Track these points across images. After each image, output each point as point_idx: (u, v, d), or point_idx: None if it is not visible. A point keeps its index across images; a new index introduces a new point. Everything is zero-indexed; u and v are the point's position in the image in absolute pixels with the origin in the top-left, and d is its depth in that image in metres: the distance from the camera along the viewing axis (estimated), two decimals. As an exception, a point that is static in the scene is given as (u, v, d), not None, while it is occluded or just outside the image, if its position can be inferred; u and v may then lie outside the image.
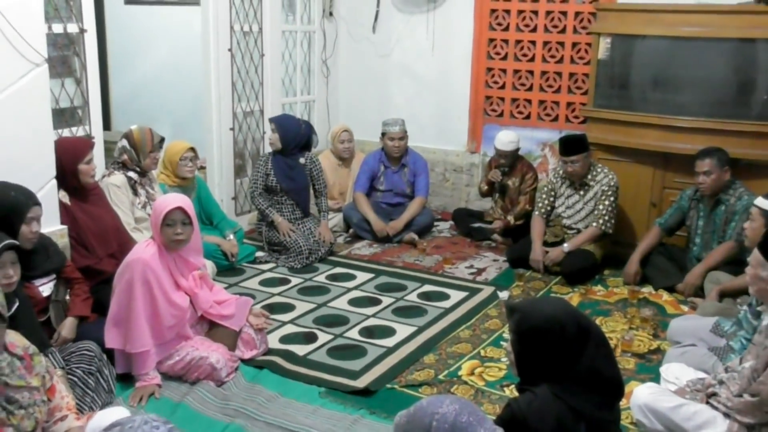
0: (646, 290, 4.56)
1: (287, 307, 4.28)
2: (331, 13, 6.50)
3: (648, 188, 5.04)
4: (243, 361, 3.54)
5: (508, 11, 5.92)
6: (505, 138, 5.42)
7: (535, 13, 5.81)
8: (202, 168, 5.31)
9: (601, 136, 5.05)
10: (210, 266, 4.26)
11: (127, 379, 3.32)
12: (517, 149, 5.46)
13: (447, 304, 4.37)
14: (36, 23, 3.39)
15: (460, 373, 3.53)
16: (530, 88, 5.96)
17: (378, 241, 5.48)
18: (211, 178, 5.48)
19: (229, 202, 5.61)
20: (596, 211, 4.86)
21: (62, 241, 3.59)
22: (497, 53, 6.04)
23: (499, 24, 5.98)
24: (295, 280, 4.71)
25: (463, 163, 6.33)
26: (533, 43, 5.87)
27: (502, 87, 6.07)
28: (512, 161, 5.46)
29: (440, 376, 3.48)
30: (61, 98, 4.09)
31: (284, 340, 3.85)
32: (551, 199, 5.06)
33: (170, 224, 3.29)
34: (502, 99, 6.10)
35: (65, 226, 3.65)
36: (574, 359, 2.18)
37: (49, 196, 3.55)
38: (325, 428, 2.99)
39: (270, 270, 4.90)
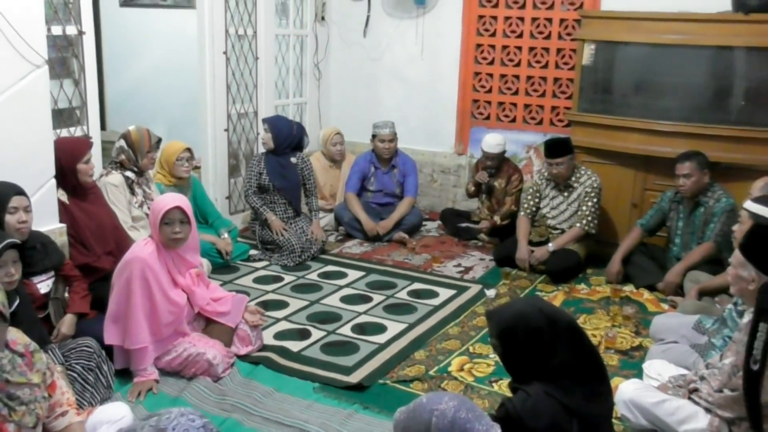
0: (628, 289, 4.58)
1: (281, 304, 4.26)
2: (323, 18, 6.48)
3: (630, 190, 5.06)
4: (239, 357, 3.52)
5: (495, 17, 5.92)
6: (492, 141, 5.43)
7: (522, 19, 5.82)
8: (197, 168, 5.28)
9: (584, 140, 5.07)
10: (205, 264, 4.23)
11: (125, 375, 3.30)
12: (504, 152, 5.47)
13: (436, 301, 4.37)
14: (37, 25, 3.36)
15: (449, 368, 3.53)
16: (516, 92, 5.98)
17: (368, 240, 5.48)
18: (205, 178, 5.45)
19: (223, 202, 5.59)
20: (580, 212, 4.87)
21: (61, 239, 3.56)
22: (484, 58, 6.05)
23: (487, 30, 5.99)
24: (288, 278, 4.70)
25: (451, 165, 6.33)
26: (519, 48, 5.88)
27: (489, 91, 6.08)
28: (498, 163, 5.47)
29: (431, 372, 3.48)
30: (60, 99, 4.05)
31: (279, 336, 3.84)
32: (536, 200, 5.07)
33: (169, 223, 3.27)
34: (489, 102, 6.11)
35: (64, 225, 3.61)
36: (551, 349, 2.21)
37: (49, 194, 3.53)
38: (320, 423, 2.99)
39: (264, 268, 4.88)
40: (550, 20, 5.71)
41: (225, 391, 3.23)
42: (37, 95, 3.41)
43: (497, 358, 3.56)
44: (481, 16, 5.98)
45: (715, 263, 4.31)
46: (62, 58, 4.08)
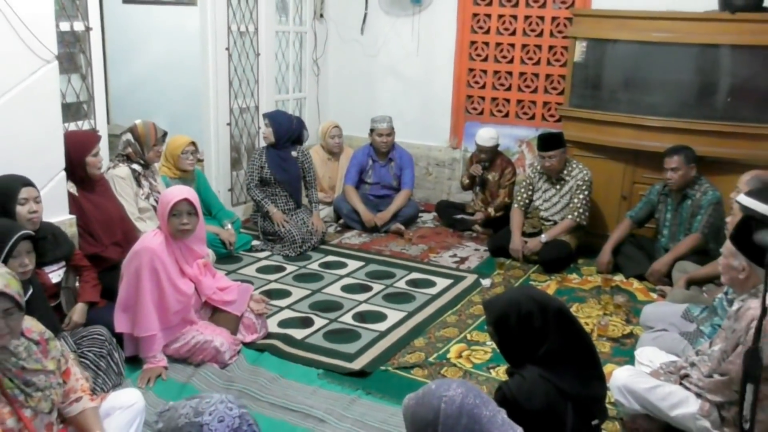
0: (618, 278, 4.60)
1: (284, 293, 4.25)
2: (321, 15, 6.45)
3: (619, 183, 5.08)
4: (244, 344, 3.52)
5: (489, 15, 5.91)
6: (486, 134, 5.42)
7: (515, 17, 5.81)
8: (200, 161, 5.26)
9: (576, 134, 5.07)
10: (209, 254, 4.22)
11: (135, 362, 3.29)
12: (497, 145, 5.46)
13: (433, 290, 4.37)
14: (47, 22, 3.33)
15: (448, 355, 3.53)
16: (509, 88, 5.97)
17: (366, 231, 5.47)
18: (208, 171, 5.43)
19: (225, 194, 5.57)
20: (571, 204, 4.88)
21: (71, 230, 3.54)
22: (478, 55, 6.03)
23: (481, 27, 5.97)
24: (290, 268, 4.69)
25: (446, 158, 6.33)
26: (512, 45, 5.87)
27: (483, 87, 6.07)
28: (492, 156, 5.46)
29: (430, 359, 3.48)
30: (68, 93, 4.02)
31: (283, 324, 3.83)
32: (529, 192, 5.08)
33: (176, 215, 3.26)
34: (483, 98, 6.10)
35: (74, 216, 3.60)
36: (543, 333, 2.23)
37: (59, 187, 3.51)
38: (325, 408, 2.99)
39: (266, 258, 4.87)
40: (542, 18, 5.70)
41: (232, 378, 3.22)
42: (47, 90, 3.38)
43: (494, 346, 3.58)
44: (475, 14, 5.97)
45: (701, 254, 4.33)
46: (70, 54, 4.04)
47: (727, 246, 2.82)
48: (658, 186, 4.63)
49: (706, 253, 4.34)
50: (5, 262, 2.63)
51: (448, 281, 4.51)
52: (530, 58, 5.82)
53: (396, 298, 4.25)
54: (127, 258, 3.30)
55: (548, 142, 4.86)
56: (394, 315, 3.99)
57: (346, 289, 4.37)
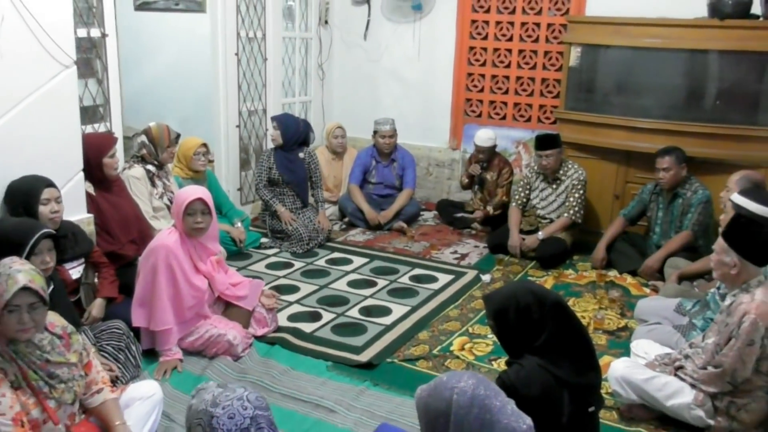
0: (612, 274, 4.59)
1: (292, 289, 4.25)
2: (326, 22, 6.44)
3: (612, 182, 5.08)
4: (256, 337, 3.51)
5: (487, 22, 5.90)
6: (484, 135, 5.42)
7: (512, 24, 5.80)
8: (211, 162, 5.25)
9: (571, 136, 5.07)
10: (221, 251, 4.21)
11: (151, 355, 3.29)
12: (494, 146, 5.45)
13: (436, 286, 4.36)
14: (66, 29, 3.31)
15: (451, 348, 3.53)
16: (506, 92, 5.96)
17: (370, 229, 5.46)
18: (218, 171, 5.41)
19: (235, 193, 5.56)
20: (567, 203, 4.88)
21: (89, 228, 3.53)
22: (477, 60, 6.03)
23: (479, 33, 5.96)
24: (297, 264, 4.68)
25: (445, 159, 6.32)
26: (509, 51, 5.86)
27: (481, 90, 6.06)
28: (490, 156, 5.46)
29: (434, 351, 3.48)
30: (85, 97, 4.00)
31: (292, 318, 3.83)
32: (527, 191, 5.08)
33: (191, 213, 3.25)
34: (481, 101, 6.09)
35: (91, 215, 3.59)
36: (541, 325, 2.22)
37: (77, 187, 3.50)
38: (335, 398, 2.98)
39: (274, 255, 4.86)
40: (538, 25, 5.70)
41: (245, 370, 3.22)
42: (66, 94, 3.37)
43: (495, 339, 3.58)
44: (473, 21, 5.96)
45: (692, 250, 4.34)
46: (87, 59, 4.02)
47: (720, 243, 2.83)
48: (650, 185, 4.63)
49: (696, 249, 4.34)
50: (28, 259, 2.62)
51: (450, 277, 4.51)
52: (527, 63, 5.81)
53: (400, 293, 4.24)
54: (144, 255, 3.30)
55: (545, 142, 4.86)
56: (398, 309, 3.99)
57: (352, 284, 4.36)
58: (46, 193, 3.06)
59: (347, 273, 4.55)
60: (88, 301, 3.30)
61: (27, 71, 3.13)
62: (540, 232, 4.86)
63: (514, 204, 5.08)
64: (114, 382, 2.72)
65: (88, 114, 4.05)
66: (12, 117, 3.08)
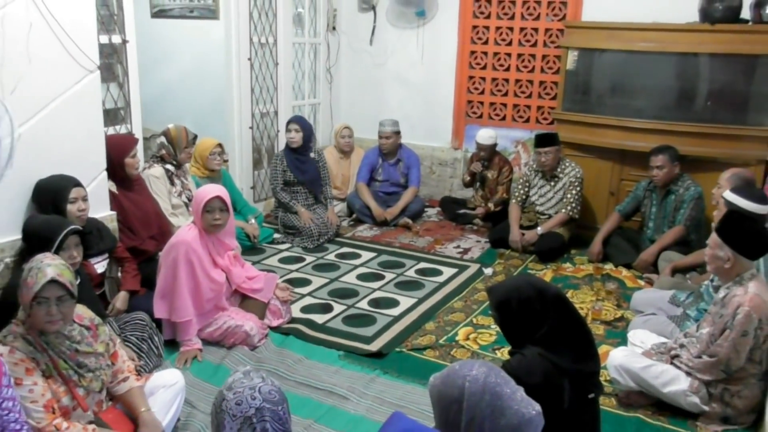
0: (608, 267, 4.59)
1: (305, 282, 4.25)
2: (334, 28, 6.43)
3: (608, 180, 5.07)
4: (271, 328, 3.52)
5: (487, 27, 5.89)
6: (485, 134, 5.42)
7: (511, 29, 5.78)
8: (225, 161, 5.24)
9: (568, 135, 5.05)
10: (237, 247, 4.21)
11: (172, 345, 3.29)
12: (495, 144, 5.44)
13: (440, 279, 4.36)
14: (89, 35, 3.30)
15: (457, 338, 3.53)
16: (506, 94, 5.95)
17: (377, 225, 5.46)
18: (233, 170, 5.40)
19: (248, 191, 5.56)
20: (564, 199, 4.87)
21: (112, 225, 3.53)
22: (478, 63, 6.01)
23: (480, 38, 5.95)
24: (309, 259, 4.68)
25: (448, 158, 6.31)
26: (509, 55, 5.85)
27: (482, 92, 6.05)
28: (490, 154, 5.44)
29: (440, 341, 3.48)
30: (107, 100, 4.00)
31: (305, 310, 3.83)
32: (526, 189, 5.07)
33: (209, 211, 3.25)
34: (482, 103, 6.08)
35: (114, 212, 3.58)
36: (542, 317, 2.21)
37: (101, 186, 3.49)
38: (347, 386, 2.99)
39: (287, 250, 4.86)
40: (536, 30, 5.68)
41: (261, 359, 3.22)
42: (90, 97, 3.36)
43: (498, 329, 3.58)
44: (474, 26, 5.94)
45: (684, 244, 4.33)
46: (108, 65, 4.02)
47: (713, 238, 2.82)
48: (644, 182, 4.62)
49: (688, 243, 4.33)
50: (56, 254, 2.62)
51: (454, 270, 4.50)
52: (525, 67, 5.80)
53: (407, 285, 4.24)
54: (165, 250, 3.30)
55: (544, 140, 4.86)
56: (405, 301, 3.99)
57: (361, 277, 4.36)
58: (74, 192, 3.06)
59: (356, 267, 4.54)
60: (112, 294, 3.30)
61: (53, 76, 3.12)
62: (539, 228, 4.85)
63: (514, 201, 5.07)
64: (138, 371, 2.72)
65: (110, 116, 4.05)
66: (40, 119, 3.08)
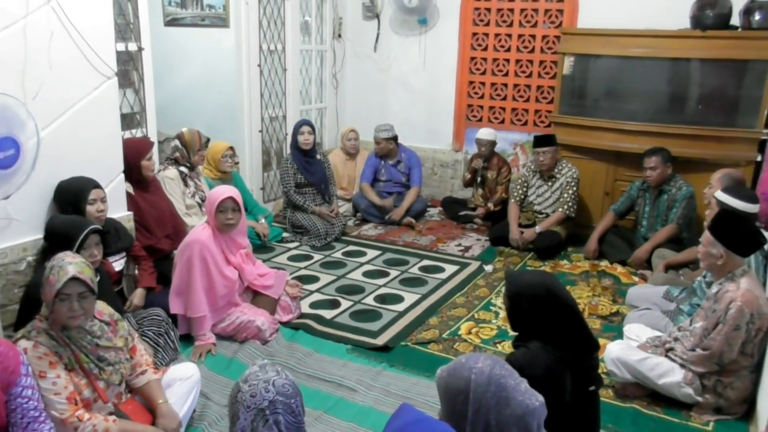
0: (604, 264, 4.57)
1: (313, 279, 4.25)
2: (339, 35, 6.43)
3: (603, 180, 5.06)
4: (282, 323, 3.52)
5: (486, 34, 5.88)
6: (486, 131, 5.42)
7: (509, 36, 5.78)
8: (236, 163, 5.24)
9: (565, 138, 5.05)
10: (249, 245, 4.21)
11: (187, 339, 3.30)
12: (495, 141, 5.41)
13: (443, 275, 4.36)
14: (107, 43, 3.31)
15: (459, 332, 3.53)
16: (504, 98, 5.94)
17: (382, 223, 5.46)
18: (243, 172, 5.41)
19: (258, 192, 5.56)
20: (561, 199, 4.87)
21: (129, 225, 3.54)
22: (477, 69, 6.01)
23: (479, 45, 5.94)
24: (317, 257, 4.68)
25: (449, 160, 6.31)
26: (507, 60, 5.84)
27: (482, 97, 6.04)
28: (490, 151, 5.41)
29: (444, 335, 3.48)
30: (123, 105, 4.00)
31: (314, 305, 3.83)
32: (524, 189, 5.06)
33: (222, 211, 3.26)
34: (481, 107, 6.07)
35: (131, 212, 3.59)
36: (548, 320, 2.20)
37: (118, 187, 3.50)
38: (355, 378, 2.99)
39: (295, 248, 4.86)
40: (533, 37, 5.67)
41: (272, 353, 3.22)
42: (108, 102, 3.37)
43: (499, 323, 3.59)
44: (474, 34, 5.94)
45: (676, 242, 4.33)
46: (125, 71, 4.02)
47: (706, 236, 2.82)
48: (638, 183, 4.61)
49: (681, 241, 4.33)
50: (77, 253, 2.63)
51: (455, 267, 4.50)
52: (523, 72, 5.79)
53: (411, 282, 4.24)
54: (180, 249, 3.31)
55: (542, 140, 4.86)
56: (409, 297, 3.98)
57: (367, 274, 4.36)
58: (93, 193, 3.06)
59: (362, 264, 4.54)
60: (129, 291, 3.31)
61: (73, 82, 3.13)
62: (537, 226, 4.85)
63: (512, 200, 5.07)
64: (156, 364, 2.72)
65: (127, 121, 4.05)
66: (60, 123, 3.08)
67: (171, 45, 6.55)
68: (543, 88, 5.72)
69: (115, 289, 3.18)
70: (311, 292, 4.02)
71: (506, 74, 5.87)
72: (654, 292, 3.58)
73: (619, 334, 3.37)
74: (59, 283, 2.17)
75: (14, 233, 2.94)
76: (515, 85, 5.85)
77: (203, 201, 4.23)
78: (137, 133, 4.11)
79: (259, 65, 5.37)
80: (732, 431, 2.68)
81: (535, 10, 5.61)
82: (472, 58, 6.00)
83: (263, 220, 4.85)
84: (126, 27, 3.95)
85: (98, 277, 2.77)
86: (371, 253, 4.76)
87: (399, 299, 3.95)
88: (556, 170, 4.89)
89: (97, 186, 3.11)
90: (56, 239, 2.72)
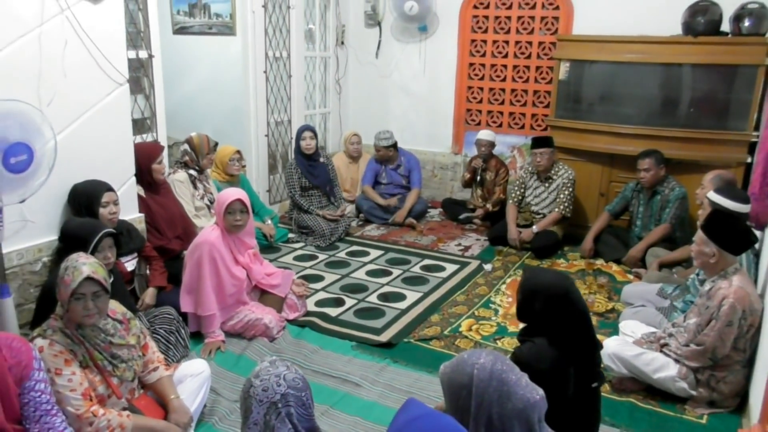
0: (599, 262, 4.57)
1: (318, 278, 4.25)
2: (342, 43, 6.43)
3: (598, 182, 5.06)
4: (288, 321, 3.52)
5: (485, 41, 5.88)
6: (485, 132, 5.44)
7: (507, 42, 5.78)
8: (243, 167, 5.25)
9: (561, 141, 5.04)
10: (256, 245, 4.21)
11: (197, 337, 3.29)
12: (494, 142, 5.41)
13: (444, 274, 4.35)
14: (119, 51, 3.31)
15: (460, 329, 3.52)
16: (502, 102, 5.93)
17: (385, 224, 5.45)
18: (250, 175, 5.41)
19: (264, 194, 5.56)
20: (558, 200, 4.87)
21: (140, 226, 3.54)
22: (476, 74, 6.01)
23: (478, 51, 5.94)
24: (321, 256, 4.68)
25: (448, 162, 6.30)
26: (505, 66, 5.84)
27: (480, 101, 6.04)
28: (490, 151, 5.41)
29: (445, 332, 3.47)
30: (134, 111, 4.00)
31: (319, 304, 3.83)
32: (522, 190, 5.06)
33: (231, 212, 3.26)
34: (480, 111, 6.07)
35: (142, 214, 3.59)
36: (558, 321, 2.18)
37: (130, 190, 3.50)
38: (360, 374, 2.98)
39: (301, 248, 4.86)
40: (530, 43, 5.67)
41: (279, 349, 3.22)
42: (120, 108, 3.37)
43: (499, 320, 3.58)
44: (473, 40, 5.94)
45: (670, 241, 4.33)
46: (136, 78, 4.02)
47: (699, 235, 2.82)
48: (632, 184, 4.61)
49: (674, 240, 4.33)
50: (92, 255, 2.62)
51: (456, 266, 4.50)
52: (520, 77, 5.79)
53: (413, 280, 4.23)
54: (190, 249, 3.30)
55: (540, 141, 4.87)
56: (412, 295, 3.98)
57: (370, 273, 4.36)
58: (106, 196, 3.07)
59: (365, 264, 4.54)
60: (141, 290, 3.30)
61: (87, 88, 3.13)
62: (534, 226, 4.85)
63: (510, 201, 5.07)
64: (167, 361, 2.72)
65: (138, 126, 4.04)
66: (74, 128, 3.09)
67: (180, 52, 6.56)
68: (539, 93, 5.72)
69: (127, 289, 3.18)
70: (317, 291, 4.02)
71: (504, 79, 5.87)
72: (648, 290, 3.58)
73: (614, 331, 3.36)
74: (74, 283, 2.17)
75: (30, 235, 2.94)
76: (513, 90, 5.85)
77: (212, 203, 4.23)
78: (148, 137, 4.11)
79: (265, 72, 5.36)
80: (725, 424, 2.68)
81: (532, 18, 5.61)
82: (471, 64, 5.99)
83: (269, 222, 4.85)
84: (137, 35, 3.95)
85: (112, 278, 2.79)
86: (374, 253, 4.75)
87: (401, 297, 3.95)
88: (552, 172, 4.89)
89: (109, 189, 3.11)
90: (72, 242, 2.72)
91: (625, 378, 2.90)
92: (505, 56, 5.81)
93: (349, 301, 3.88)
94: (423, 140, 6.32)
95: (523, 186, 5.05)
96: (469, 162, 5.69)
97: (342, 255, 4.72)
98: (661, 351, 2.87)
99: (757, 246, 3.13)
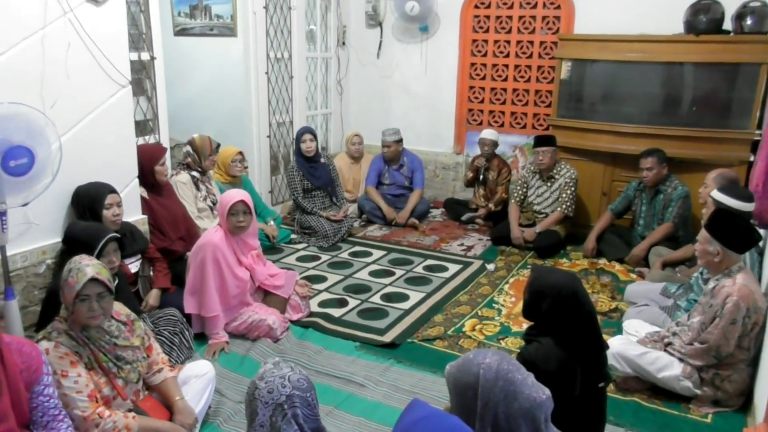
0: (602, 261, 4.57)
1: (321, 279, 4.24)
2: (343, 43, 6.43)
3: (600, 181, 5.06)
4: (292, 322, 3.51)
5: (486, 41, 5.88)
6: (489, 131, 5.44)
7: (508, 42, 5.78)
8: (245, 168, 5.24)
9: (563, 140, 5.03)
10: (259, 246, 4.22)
11: (201, 338, 3.29)
12: (497, 142, 5.41)
13: (446, 274, 4.35)
14: (122, 52, 3.32)
15: (464, 329, 3.52)
16: (504, 102, 5.93)
17: (387, 225, 5.45)
18: (252, 176, 5.40)
19: (266, 195, 5.56)
20: (560, 199, 4.86)
21: (143, 228, 3.54)
22: (477, 74, 6.01)
23: (479, 51, 5.94)
24: (324, 257, 4.68)
25: (450, 162, 6.30)
26: (506, 66, 5.84)
27: (482, 101, 6.04)
28: (493, 150, 5.41)
29: (449, 332, 3.47)
30: (136, 113, 4.00)
31: (322, 304, 3.82)
32: (524, 189, 5.06)
33: (234, 214, 3.26)
34: (482, 111, 6.07)
35: (145, 216, 3.59)
36: (566, 322, 2.17)
37: (133, 191, 3.51)
38: (364, 375, 2.98)
39: (303, 249, 4.86)
40: (532, 43, 5.67)
41: (283, 350, 3.22)
42: (123, 110, 3.37)
43: (502, 320, 3.58)
44: (474, 40, 5.94)
45: (672, 240, 4.32)
46: (138, 79, 4.02)
47: (703, 234, 2.82)
48: (635, 183, 4.61)
49: (677, 239, 4.32)
50: (97, 259, 2.62)
51: (458, 266, 4.49)
52: (522, 77, 5.79)
53: (415, 281, 4.23)
54: (193, 251, 3.31)
55: (543, 140, 4.87)
56: (415, 295, 3.98)
57: (373, 274, 4.36)
58: (109, 198, 3.07)
59: (368, 264, 4.54)
60: (145, 291, 3.31)
61: (90, 91, 3.14)
62: (537, 226, 4.85)
63: (513, 201, 5.07)
64: (171, 362, 2.72)
65: (140, 127, 4.04)
66: (78, 130, 3.09)
67: (181, 54, 6.56)
68: (541, 93, 5.72)
69: (131, 290, 3.18)
70: (320, 292, 4.02)
71: (505, 79, 5.87)
72: (652, 289, 3.57)
73: (618, 330, 3.36)
74: (79, 285, 2.17)
75: (33, 237, 2.95)
76: (514, 90, 5.85)
77: (214, 204, 4.23)
78: (150, 139, 4.11)
79: (267, 73, 5.37)
80: (730, 423, 2.67)
81: (533, 17, 5.61)
82: (473, 64, 5.99)
83: (272, 223, 4.85)
84: (139, 37, 3.95)
85: (116, 281, 2.80)
86: (377, 254, 4.75)
87: (404, 298, 3.95)
88: (555, 171, 4.89)
89: (113, 191, 3.11)
90: (77, 246, 2.71)
91: (630, 377, 2.90)
92: (507, 56, 5.81)
93: (353, 302, 3.88)
94: (425, 140, 6.32)
95: (525, 185, 5.05)
96: (471, 161, 5.69)
97: (345, 255, 4.72)
98: (665, 350, 2.86)
99: (760, 244, 3.13)
